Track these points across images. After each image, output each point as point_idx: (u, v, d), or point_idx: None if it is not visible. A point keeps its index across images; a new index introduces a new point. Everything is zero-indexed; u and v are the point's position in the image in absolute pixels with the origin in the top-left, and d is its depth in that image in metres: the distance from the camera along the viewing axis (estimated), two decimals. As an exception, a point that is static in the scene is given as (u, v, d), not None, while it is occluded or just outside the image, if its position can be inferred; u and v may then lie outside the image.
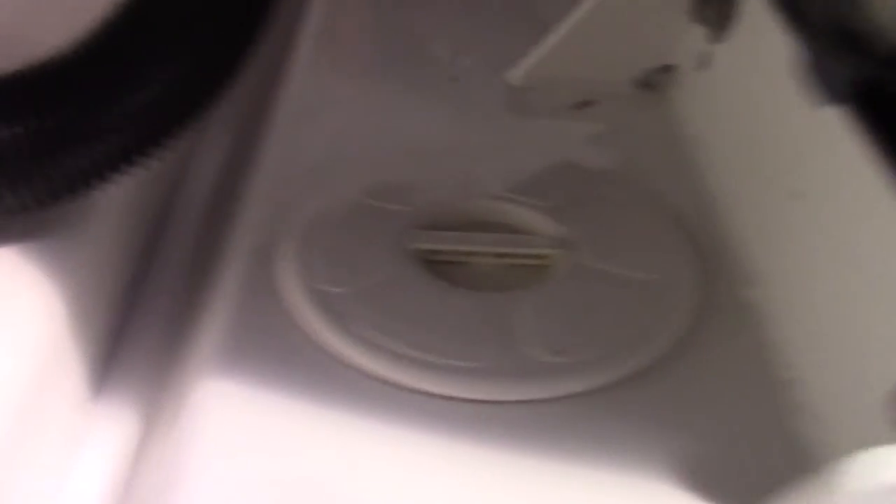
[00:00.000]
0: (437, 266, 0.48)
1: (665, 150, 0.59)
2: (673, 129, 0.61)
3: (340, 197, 0.52)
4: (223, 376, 0.43)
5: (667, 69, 0.64)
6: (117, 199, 0.48)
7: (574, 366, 0.42)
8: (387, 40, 0.70)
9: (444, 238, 0.49)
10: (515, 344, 0.43)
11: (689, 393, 0.43)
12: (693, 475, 0.39)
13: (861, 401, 0.39)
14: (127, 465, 0.43)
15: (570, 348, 0.43)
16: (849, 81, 0.27)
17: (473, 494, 0.38)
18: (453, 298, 0.46)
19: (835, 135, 0.42)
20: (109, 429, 0.44)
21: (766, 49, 0.51)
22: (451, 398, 0.41)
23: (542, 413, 0.41)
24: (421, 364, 0.42)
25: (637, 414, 0.42)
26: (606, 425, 0.41)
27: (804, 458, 0.40)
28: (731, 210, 0.53)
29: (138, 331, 0.50)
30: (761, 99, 0.53)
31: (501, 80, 0.65)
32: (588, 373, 0.42)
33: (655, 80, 0.64)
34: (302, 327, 0.44)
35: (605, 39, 0.63)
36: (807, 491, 0.31)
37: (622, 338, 0.44)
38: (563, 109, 0.63)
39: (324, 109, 0.62)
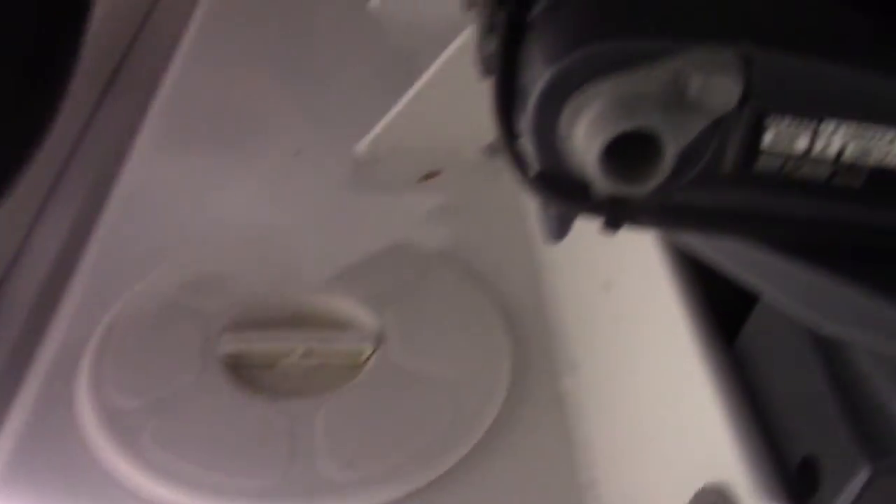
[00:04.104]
0: (242, 370, 0.47)
1: (504, 227, 0.58)
2: (517, 200, 0.60)
3: (152, 294, 0.51)
4: (6, 498, 0.42)
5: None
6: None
7: (361, 481, 0.41)
8: (232, 114, 0.69)
9: (251, 339, 0.48)
10: (307, 456, 0.42)
11: (485, 499, 0.42)
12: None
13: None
14: None
15: (360, 461, 0.42)
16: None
17: None
18: (251, 409, 0.44)
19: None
20: None
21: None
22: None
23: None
24: (209, 487, 0.41)
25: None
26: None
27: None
28: (555, 295, 0.52)
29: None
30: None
31: (348, 154, 0.64)
32: (375, 488, 0.41)
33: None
34: (91, 450, 0.43)
35: (450, 106, 0.62)
36: None
37: (417, 447, 0.43)
38: (409, 182, 0.62)
39: (160, 189, 0.61)
